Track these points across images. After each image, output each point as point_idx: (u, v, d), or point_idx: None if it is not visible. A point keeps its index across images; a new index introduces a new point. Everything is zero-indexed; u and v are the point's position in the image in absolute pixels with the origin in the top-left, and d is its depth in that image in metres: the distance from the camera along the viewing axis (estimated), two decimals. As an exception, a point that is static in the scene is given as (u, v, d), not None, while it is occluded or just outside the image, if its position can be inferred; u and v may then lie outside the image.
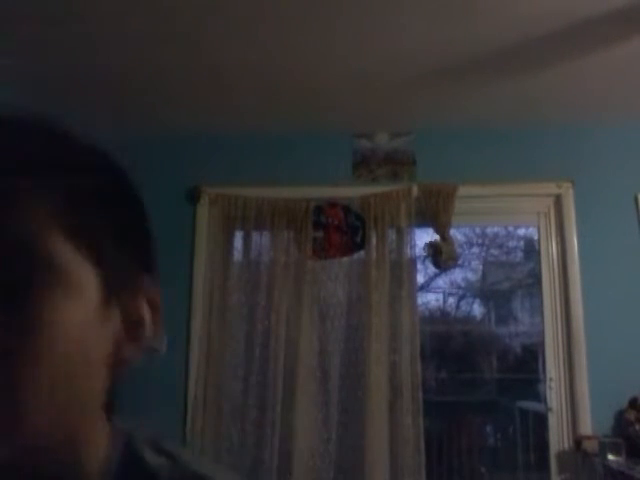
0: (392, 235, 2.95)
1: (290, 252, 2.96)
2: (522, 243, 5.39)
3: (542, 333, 2.95)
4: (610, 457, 2.49)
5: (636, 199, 2.91)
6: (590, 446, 2.61)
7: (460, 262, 3.84)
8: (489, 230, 5.23)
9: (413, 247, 2.93)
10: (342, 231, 2.98)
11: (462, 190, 2.92)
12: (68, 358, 0.40)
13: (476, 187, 2.95)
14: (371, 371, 2.76)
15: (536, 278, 3.21)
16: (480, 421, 4.87)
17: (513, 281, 5.62)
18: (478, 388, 5.14)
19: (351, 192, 3.01)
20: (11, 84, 2.67)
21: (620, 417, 2.67)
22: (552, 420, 2.84)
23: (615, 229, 2.89)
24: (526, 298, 5.38)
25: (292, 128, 3.07)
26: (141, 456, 0.51)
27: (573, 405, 2.77)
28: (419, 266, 3.24)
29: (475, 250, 5.38)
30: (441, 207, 2.92)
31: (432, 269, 3.37)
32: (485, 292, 5.70)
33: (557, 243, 2.97)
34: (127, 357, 0.46)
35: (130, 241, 0.47)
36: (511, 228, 5.01)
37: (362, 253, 2.96)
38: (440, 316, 5.62)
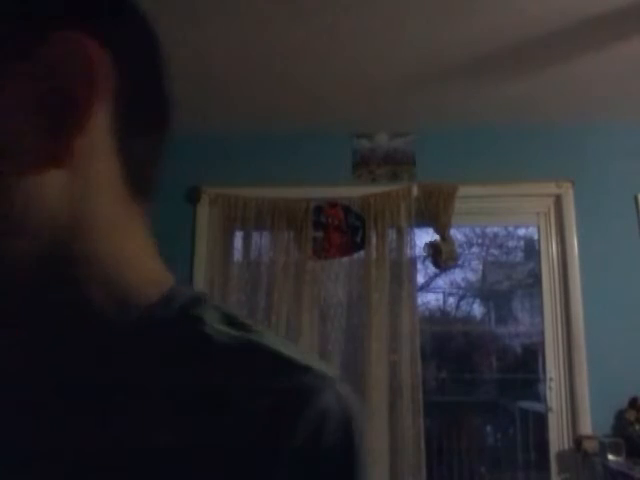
0: (392, 235, 2.95)
1: (290, 252, 2.96)
2: (522, 243, 5.39)
3: (542, 333, 2.95)
4: (610, 457, 2.49)
5: (636, 199, 2.91)
6: (590, 446, 2.61)
7: (460, 262, 3.84)
8: (489, 230, 5.23)
9: (413, 247, 2.93)
10: (342, 231, 2.98)
11: (462, 190, 2.92)
12: None
13: (476, 187, 2.95)
14: (371, 371, 2.76)
15: (536, 278, 3.21)
16: (480, 421, 4.86)
17: (513, 281, 5.62)
18: (478, 388, 5.13)
19: (351, 192, 3.01)
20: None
21: (620, 417, 2.67)
22: (552, 420, 2.84)
23: (615, 229, 2.89)
24: (526, 298, 5.37)
25: (292, 128, 3.07)
26: (200, 315, 0.41)
27: (573, 405, 2.77)
28: (419, 266, 3.24)
29: (475, 250, 5.38)
30: (441, 207, 2.92)
31: (432, 269, 3.37)
32: (485, 292, 5.70)
33: (557, 243, 2.97)
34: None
35: None
36: (511, 228, 5.01)
37: (362, 253, 2.96)
38: (440, 316, 5.62)
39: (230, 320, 0.42)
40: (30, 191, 0.33)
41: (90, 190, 0.36)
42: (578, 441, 2.68)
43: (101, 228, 0.37)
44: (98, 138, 0.36)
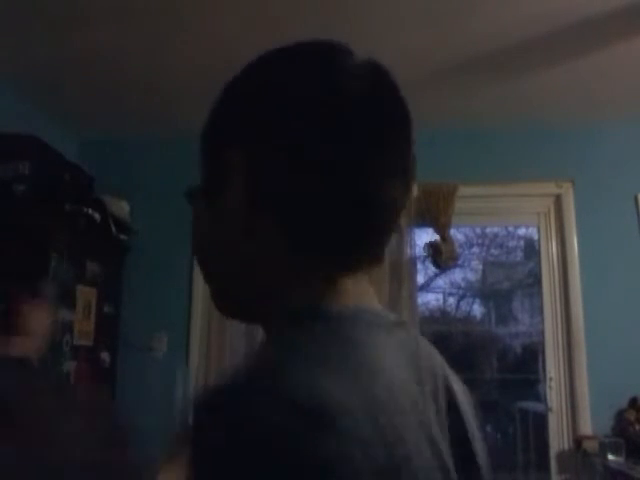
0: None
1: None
2: (522, 243, 5.38)
3: (542, 333, 2.95)
4: (610, 457, 2.49)
5: (636, 199, 2.91)
6: (590, 446, 2.61)
7: (460, 262, 3.83)
8: (489, 230, 5.22)
9: (413, 247, 2.93)
10: (342, 231, 2.98)
11: (462, 190, 2.92)
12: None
13: (476, 187, 2.95)
14: (371, 371, 2.75)
15: (536, 278, 3.22)
16: (480, 421, 4.86)
17: (513, 281, 5.62)
18: (478, 388, 5.14)
19: (351, 192, 3.00)
20: (11, 84, 2.67)
21: (620, 417, 2.67)
22: (552, 420, 2.84)
23: (615, 229, 2.89)
24: (526, 298, 5.37)
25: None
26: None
27: (573, 405, 2.77)
28: (419, 266, 3.24)
29: (475, 250, 5.37)
30: (441, 207, 2.92)
31: (432, 269, 3.37)
32: (485, 292, 5.70)
33: (557, 243, 2.97)
34: None
35: None
36: (511, 228, 5.01)
37: (362, 253, 2.95)
38: (440, 316, 5.62)
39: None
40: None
41: None
42: (578, 441, 2.68)
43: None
44: None
